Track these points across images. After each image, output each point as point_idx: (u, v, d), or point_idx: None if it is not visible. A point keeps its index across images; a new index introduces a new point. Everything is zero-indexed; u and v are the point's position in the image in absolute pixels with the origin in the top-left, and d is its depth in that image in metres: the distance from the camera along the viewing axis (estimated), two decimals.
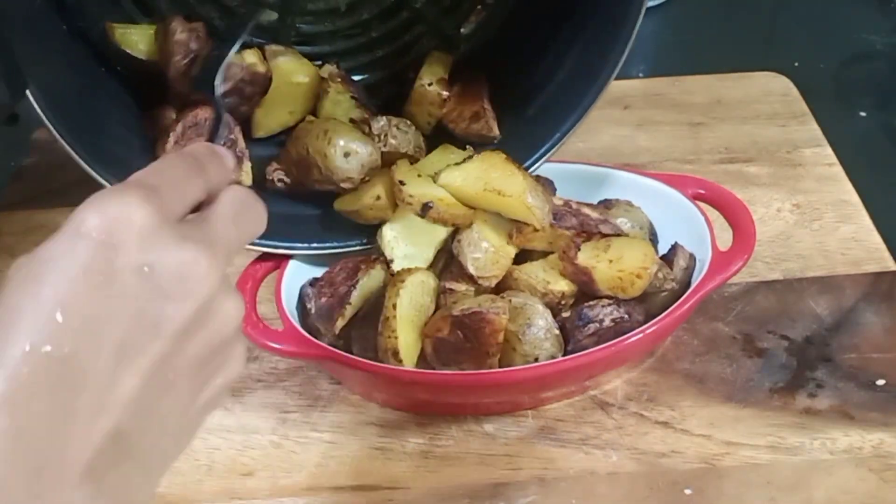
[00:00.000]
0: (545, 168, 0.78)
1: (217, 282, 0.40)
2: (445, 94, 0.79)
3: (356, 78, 0.83)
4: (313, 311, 0.72)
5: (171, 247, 0.39)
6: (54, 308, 0.36)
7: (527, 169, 0.73)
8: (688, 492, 0.66)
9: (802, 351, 0.75)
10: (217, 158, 0.47)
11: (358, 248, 0.74)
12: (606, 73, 0.72)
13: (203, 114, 0.73)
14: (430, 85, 0.79)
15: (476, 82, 0.79)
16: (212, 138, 0.66)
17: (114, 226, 0.38)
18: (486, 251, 0.71)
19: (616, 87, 1.02)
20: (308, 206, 0.76)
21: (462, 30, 0.83)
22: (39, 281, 0.37)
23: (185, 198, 0.42)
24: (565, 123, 0.74)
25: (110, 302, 0.37)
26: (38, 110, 0.63)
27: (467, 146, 0.76)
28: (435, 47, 0.83)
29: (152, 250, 0.38)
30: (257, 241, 0.72)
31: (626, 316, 0.69)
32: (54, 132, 0.64)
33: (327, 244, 0.74)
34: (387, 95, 0.83)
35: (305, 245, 0.74)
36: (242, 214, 0.45)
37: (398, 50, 0.84)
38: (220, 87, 0.69)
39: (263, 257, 0.74)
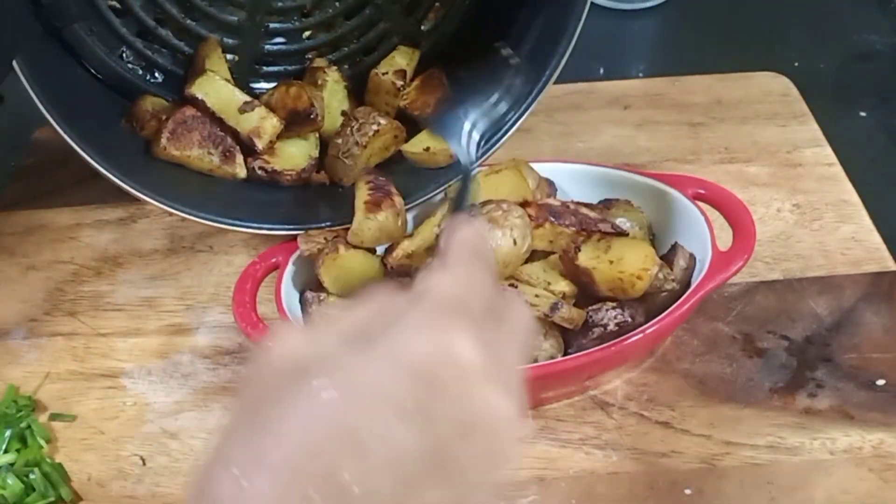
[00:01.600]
0: (546, 168, 0.78)
1: (514, 427, 0.40)
2: (400, 83, 0.81)
3: None
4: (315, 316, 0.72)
5: (487, 392, 0.38)
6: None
7: (495, 143, 0.75)
8: (688, 492, 0.66)
9: (802, 351, 0.75)
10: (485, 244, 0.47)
11: (326, 226, 0.76)
12: (562, 49, 0.73)
13: (189, 112, 0.75)
14: (384, 74, 0.81)
15: (434, 74, 0.81)
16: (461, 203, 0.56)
17: (439, 362, 0.38)
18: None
19: (616, 87, 1.03)
20: (285, 192, 0.78)
21: (422, 27, 0.84)
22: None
23: (483, 302, 0.42)
24: (525, 102, 0.75)
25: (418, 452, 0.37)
26: (22, 77, 0.63)
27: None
28: (399, 44, 0.84)
29: (470, 395, 0.38)
30: (241, 223, 0.74)
31: (630, 319, 0.69)
32: (36, 100, 0.65)
33: (304, 224, 0.76)
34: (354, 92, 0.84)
35: (286, 226, 0.75)
36: (524, 331, 0.44)
37: (364, 47, 0.85)
38: (473, 148, 0.59)
39: (263, 257, 0.74)
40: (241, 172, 0.77)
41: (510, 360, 0.42)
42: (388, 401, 0.36)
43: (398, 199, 0.73)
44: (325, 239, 0.74)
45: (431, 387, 0.37)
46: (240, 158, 0.76)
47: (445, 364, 0.37)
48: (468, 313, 0.40)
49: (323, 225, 0.75)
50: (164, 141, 0.74)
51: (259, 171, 0.77)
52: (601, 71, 1.09)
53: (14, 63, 0.63)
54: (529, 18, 0.77)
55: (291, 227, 0.75)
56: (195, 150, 0.74)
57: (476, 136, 0.58)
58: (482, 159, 0.74)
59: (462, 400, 0.38)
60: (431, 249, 0.72)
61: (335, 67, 0.82)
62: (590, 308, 0.69)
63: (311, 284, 0.74)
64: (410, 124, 0.79)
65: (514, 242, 0.69)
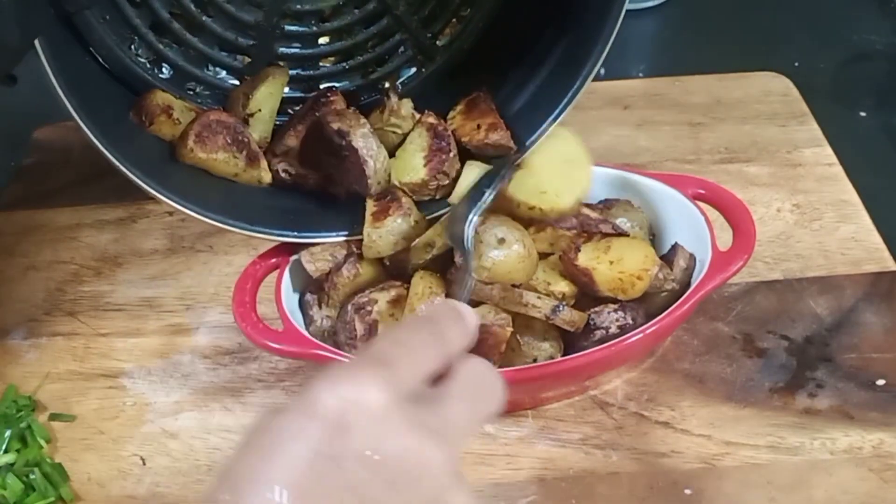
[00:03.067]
0: None
1: (447, 475, 0.38)
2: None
3: (337, 85, 0.83)
4: (316, 318, 0.72)
5: (402, 434, 0.37)
6: (280, 488, 0.35)
7: (512, 163, 0.74)
8: (688, 492, 0.66)
9: (802, 351, 0.75)
10: (459, 321, 0.45)
11: (347, 238, 0.74)
12: (587, 70, 0.73)
13: (214, 116, 0.74)
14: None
15: (481, 98, 0.78)
16: (457, 290, 0.62)
17: (347, 408, 0.37)
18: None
19: (616, 87, 1.03)
20: (310, 199, 0.77)
21: (438, 42, 0.83)
22: (270, 457, 0.36)
23: (421, 371, 0.41)
24: (546, 120, 0.74)
25: (335, 489, 0.36)
26: (41, 55, 0.62)
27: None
28: (412, 57, 0.83)
29: (383, 436, 0.37)
30: (260, 228, 0.73)
31: (632, 322, 0.69)
32: (54, 82, 0.64)
33: (323, 234, 0.74)
34: (362, 104, 0.82)
35: (307, 234, 0.74)
36: (479, 393, 0.43)
37: (377, 58, 0.83)
38: (470, 242, 0.66)
39: (264, 257, 0.74)
40: (266, 177, 0.76)
41: (449, 414, 0.40)
42: (297, 444, 0.36)
43: (406, 200, 0.73)
44: (331, 256, 0.74)
45: (340, 429, 0.36)
46: (264, 163, 0.76)
47: (353, 406, 0.37)
48: (387, 364, 0.39)
49: (342, 234, 0.74)
50: (190, 143, 0.73)
51: (283, 174, 0.76)
52: (601, 71, 1.08)
53: (38, 48, 0.62)
54: (553, 40, 0.76)
55: (310, 234, 0.74)
56: (220, 153, 0.74)
57: (471, 233, 0.67)
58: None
59: (372, 441, 0.37)
60: (430, 246, 0.72)
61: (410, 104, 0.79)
62: (591, 311, 0.69)
63: (310, 286, 0.74)
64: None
65: (529, 252, 0.70)
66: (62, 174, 0.95)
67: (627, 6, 0.70)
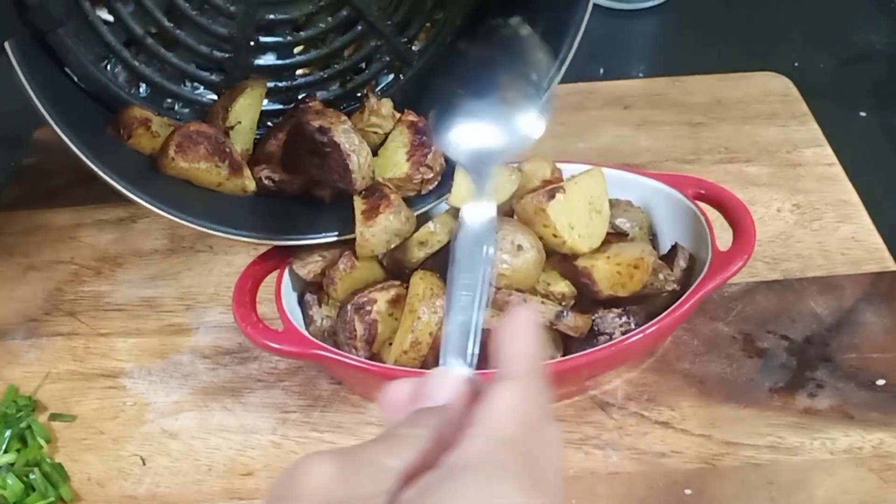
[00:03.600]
0: None
1: None
2: None
3: (316, 94, 0.83)
4: (316, 318, 0.72)
5: None
6: None
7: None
8: (688, 492, 0.66)
9: (802, 351, 0.75)
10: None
11: (338, 238, 0.74)
12: (559, 63, 0.73)
13: (193, 126, 0.74)
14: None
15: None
16: None
17: None
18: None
19: (616, 87, 1.03)
20: (296, 204, 0.77)
21: (413, 47, 0.83)
22: None
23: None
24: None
25: None
26: (12, 59, 0.63)
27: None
28: (390, 63, 0.83)
29: None
30: (246, 233, 0.73)
31: (635, 328, 0.69)
32: (23, 80, 0.64)
33: (311, 236, 0.74)
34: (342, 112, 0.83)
35: (295, 237, 0.74)
36: None
37: (354, 65, 0.83)
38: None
39: (264, 258, 0.74)
40: (251, 185, 0.75)
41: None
42: None
43: (395, 197, 0.73)
44: (320, 256, 0.74)
45: None
46: (248, 171, 0.75)
47: None
48: (526, 461, 0.36)
49: (331, 236, 0.74)
50: (171, 153, 0.72)
51: (266, 181, 0.76)
52: (601, 71, 1.09)
53: (12, 59, 0.63)
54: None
55: (296, 237, 0.74)
56: (203, 162, 0.73)
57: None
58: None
59: None
60: (423, 244, 0.72)
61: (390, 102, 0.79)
62: (595, 315, 0.69)
63: (310, 286, 0.74)
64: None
65: (542, 257, 0.70)
66: (62, 174, 0.95)
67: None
